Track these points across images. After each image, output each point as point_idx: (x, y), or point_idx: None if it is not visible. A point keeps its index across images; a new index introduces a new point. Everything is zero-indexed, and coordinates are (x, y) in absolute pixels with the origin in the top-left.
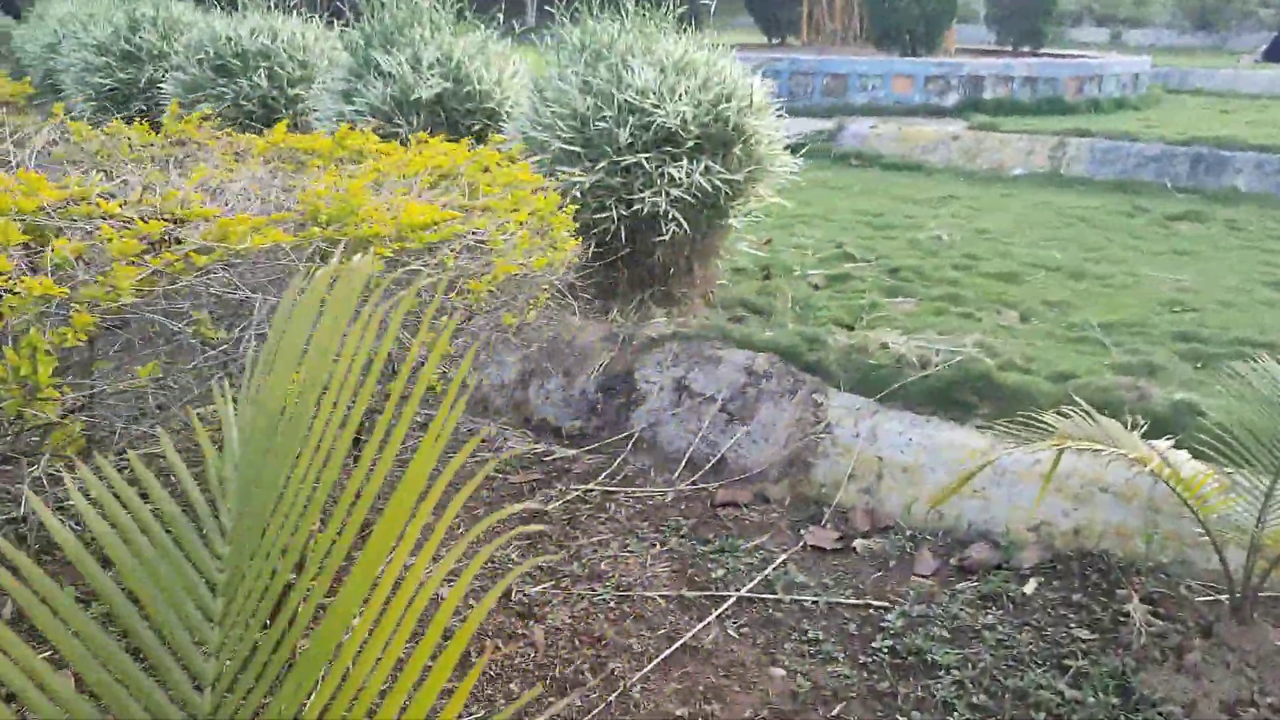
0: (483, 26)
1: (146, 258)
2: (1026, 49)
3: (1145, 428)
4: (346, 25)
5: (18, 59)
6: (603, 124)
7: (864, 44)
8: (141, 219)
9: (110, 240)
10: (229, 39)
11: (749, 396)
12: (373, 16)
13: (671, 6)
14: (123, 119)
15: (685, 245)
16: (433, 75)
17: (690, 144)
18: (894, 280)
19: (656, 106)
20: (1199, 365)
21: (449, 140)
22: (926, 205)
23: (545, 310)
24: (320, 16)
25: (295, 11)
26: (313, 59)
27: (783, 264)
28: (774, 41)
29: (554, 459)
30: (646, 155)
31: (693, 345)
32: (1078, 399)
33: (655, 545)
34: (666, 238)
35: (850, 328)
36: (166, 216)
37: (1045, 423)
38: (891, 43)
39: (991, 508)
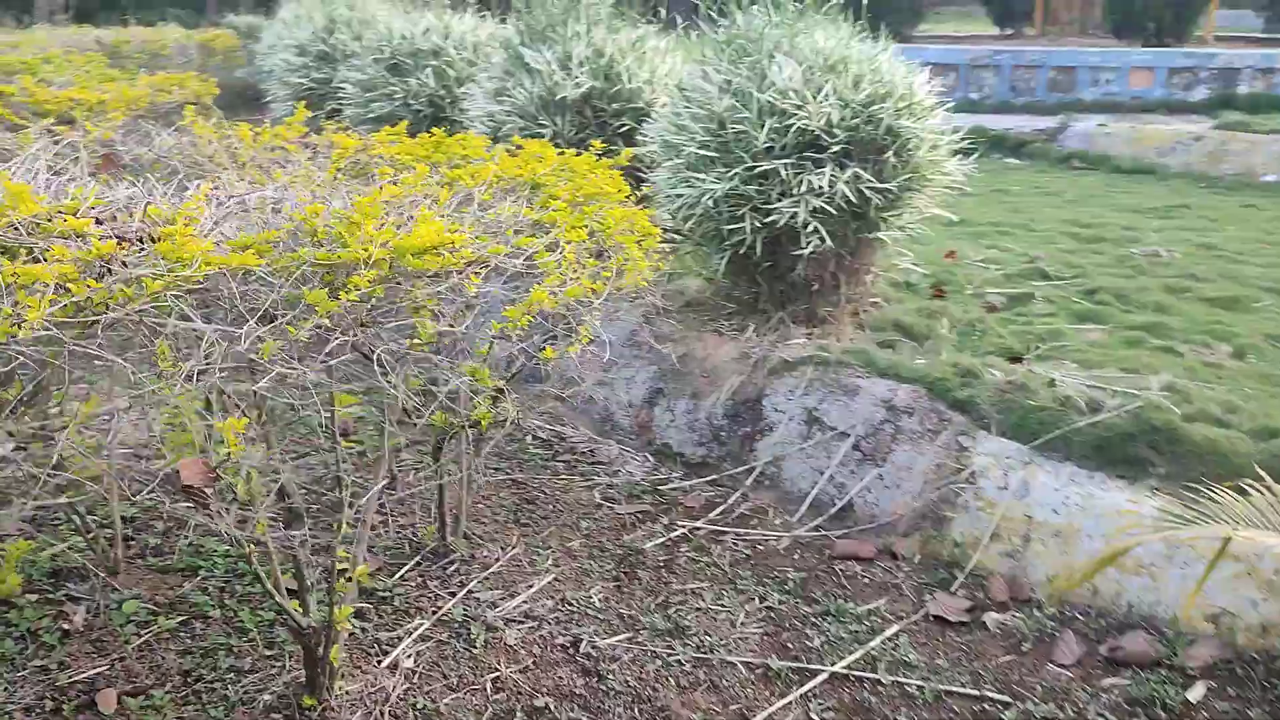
0: (643, 21)
1: (77, 285)
2: None
3: None
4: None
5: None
6: (740, 126)
7: (1105, 34)
8: (111, 238)
9: (58, 261)
10: (404, 37)
11: (885, 434)
12: (528, 12)
13: None
14: (315, 118)
15: (830, 260)
16: (581, 73)
17: (836, 149)
18: (1088, 304)
19: (799, 107)
20: None
21: (601, 142)
22: (1151, 215)
23: (679, 326)
24: (493, 13)
25: (476, 10)
26: (483, 57)
27: (961, 280)
28: (1006, 32)
29: (670, 488)
30: (785, 160)
31: (830, 372)
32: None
33: (753, 600)
34: (807, 252)
35: (1019, 359)
36: (131, 236)
37: (1210, 494)
38: (1134, 32)
39: (1159, 589)
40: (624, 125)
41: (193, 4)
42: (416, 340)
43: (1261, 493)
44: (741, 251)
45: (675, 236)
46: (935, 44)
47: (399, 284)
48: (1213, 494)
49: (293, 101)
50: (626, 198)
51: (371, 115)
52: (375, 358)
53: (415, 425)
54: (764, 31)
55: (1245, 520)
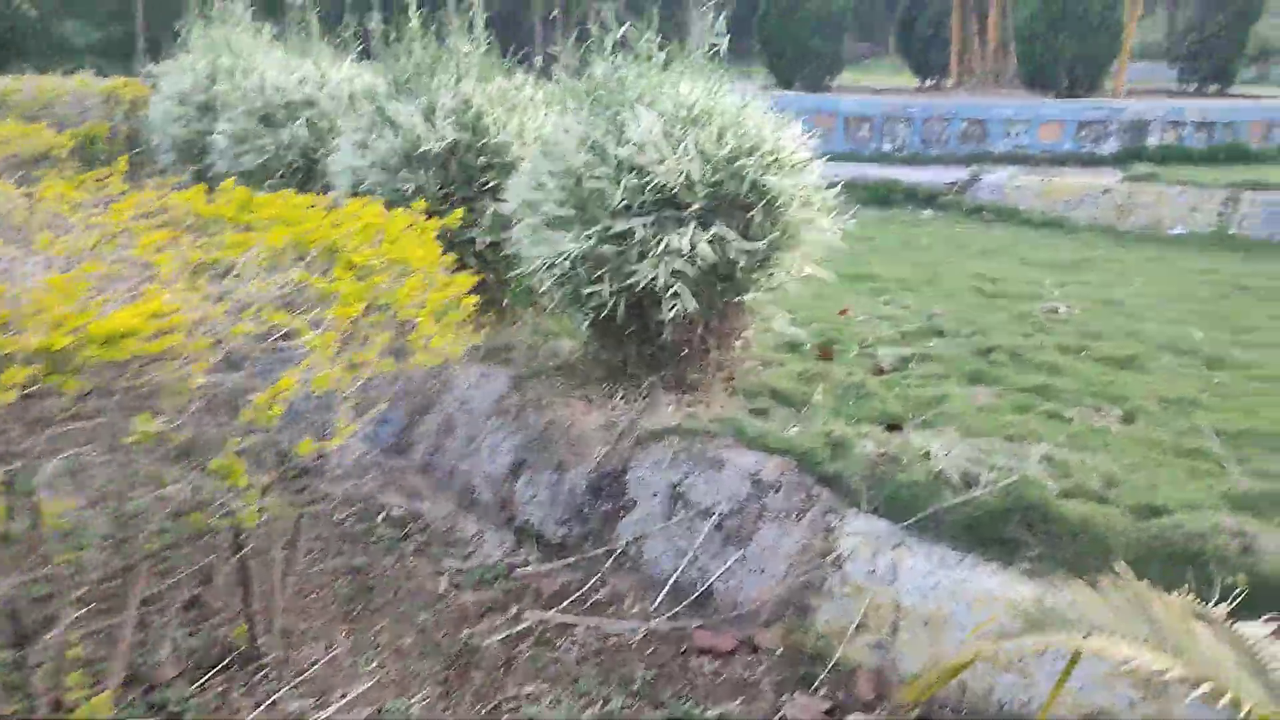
0: (520, 70)
1: None
2: (1215, 89)
3: (1243, 598)
4: None
5: None
6: (596, 182)
7: (1017, 87)
8: None
9: None
10: (278, 88)
11: (751, 512)
12: (396, 60)
13: (701, 42)
14: (195, 171)
15: (698, 324)
16: (446, 125)
17: (697, 206)
18: (981, 364)
19: (658, 162)
20: None
21: (464, 198)
22: (1056, 269)
23: (549, 391)
24: (373, 61)
25: (357, 58)
26: (358, 108)
27: (852, 340)
28: (927, 84)
29: (525, 572)
30: (644, 219)
31: (697, 443)
32: (1159, 545)
33: (595, 704)
34: (669, 316)
35: (898, 427)
36: None
37: (1072, 587)
38: (1045, 85)
39: (1031, 686)
40: (491, 180)
41: (119, 53)
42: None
43: (1121, 590)
44: (604, 315)
45: (543, 298)
46: (853, 95)
47: (118, 372)
48: (1074, 588)
49: (173, 153)
50: (460, 264)
51: (242, 168)
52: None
53: (157, 530)
54: (625, 82)
55: (1101, 623)
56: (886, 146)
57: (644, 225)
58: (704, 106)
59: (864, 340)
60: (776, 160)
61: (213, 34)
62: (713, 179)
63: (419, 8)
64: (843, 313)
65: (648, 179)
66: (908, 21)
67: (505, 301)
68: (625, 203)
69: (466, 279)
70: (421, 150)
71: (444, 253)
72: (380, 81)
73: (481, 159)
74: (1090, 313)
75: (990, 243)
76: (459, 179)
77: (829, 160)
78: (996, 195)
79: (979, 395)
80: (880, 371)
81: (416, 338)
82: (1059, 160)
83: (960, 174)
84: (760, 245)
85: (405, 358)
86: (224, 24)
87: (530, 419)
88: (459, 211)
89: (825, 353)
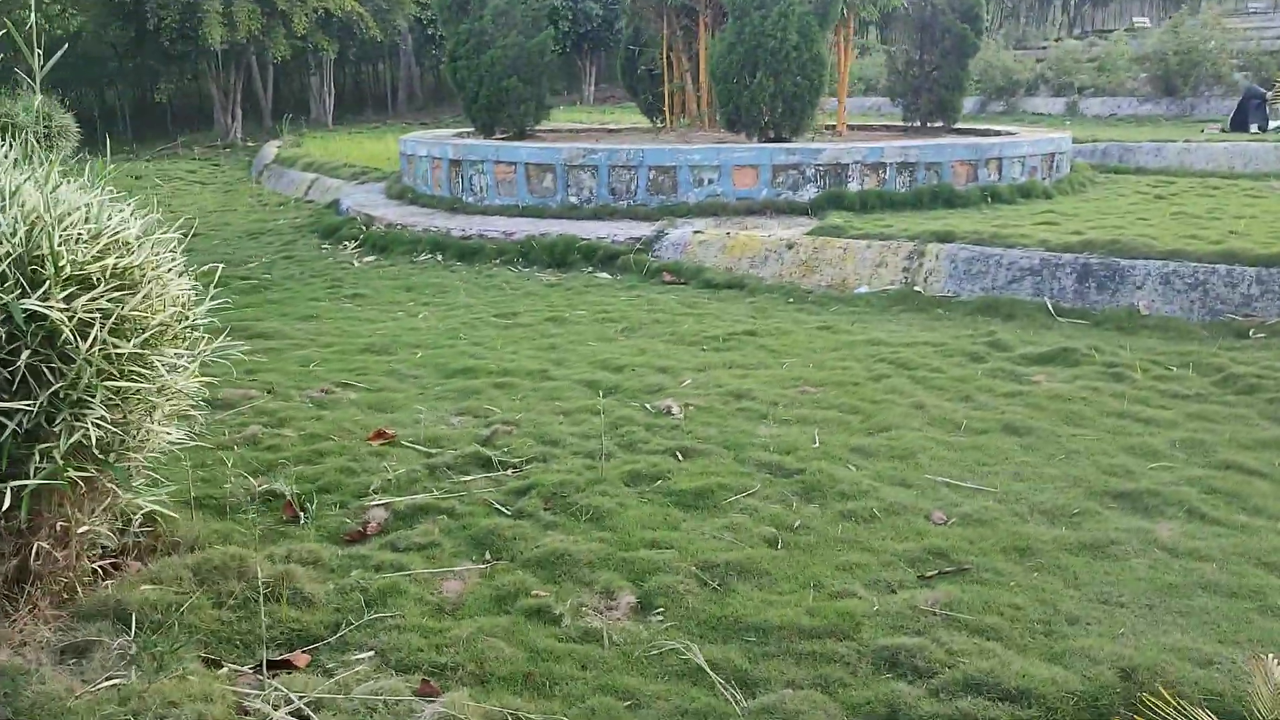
0: None
1: None
2: (939, 125)
3: None
4: None
5: None
6: None
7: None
8: None
9: None
10: None
11: None
12: None
13: None
14: None
15: None
16: None
17: None
18: (503, 517)
19: None
20: None
21: None
22: (707, 347)
23: None
24: None
25: None
26: None
27: (358, 483)
28: (658, 126)
29: None
30: None
31: None
32: None
33: None
34: None
35: (284, 664)
36: None
37: None
38: (747, 126)
39: None
40: None
41: None
42: None
43: None
44: None
45: None
46: (536, 141)
47: None
48: None
49: None
50: None
51: None
52: None
53: None
54: None
55: None
56: (573, 199)
57: None
58: None
59: (368, 485)
60: (59, 274)
61: None
62: None
63: None
64: (375, 437)
65: None
66: (629, 60)
67: None
68: None
69: None
70: None
71: None
72: None
73: None
74: (708, 412)
75: (649, 314)
76: None
77: (510, 216)
78: (680, 252)
79: (457, 581)
80: (357, 538)
81: None
82: (755, 209)
83: (646, 229)
84: (28, 405)
85: None
86: None
87: None
88: None
89: (292, 511)
